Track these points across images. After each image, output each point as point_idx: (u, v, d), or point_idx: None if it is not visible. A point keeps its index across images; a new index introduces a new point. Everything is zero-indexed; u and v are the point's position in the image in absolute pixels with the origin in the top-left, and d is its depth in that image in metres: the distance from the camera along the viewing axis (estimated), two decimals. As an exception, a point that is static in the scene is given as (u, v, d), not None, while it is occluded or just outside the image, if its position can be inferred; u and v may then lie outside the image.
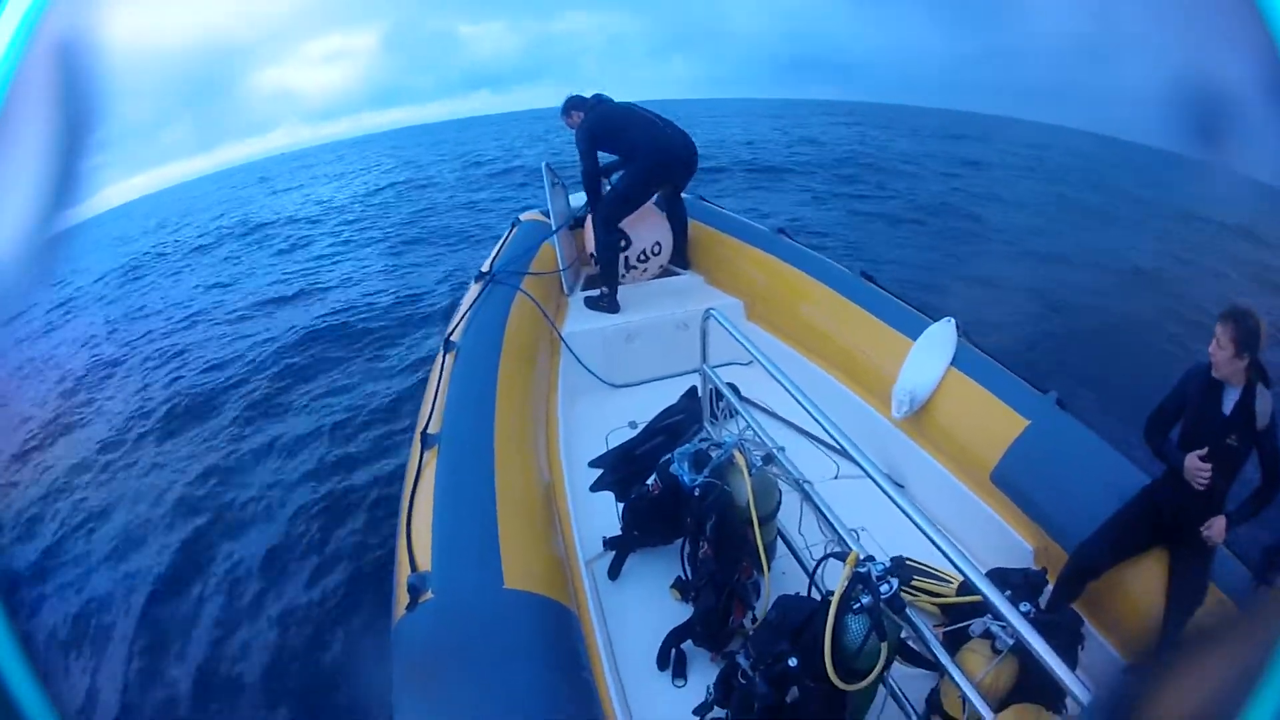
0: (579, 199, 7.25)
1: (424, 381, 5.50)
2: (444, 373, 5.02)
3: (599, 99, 6.52)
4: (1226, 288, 12.81)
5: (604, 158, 6.57)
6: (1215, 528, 3.60)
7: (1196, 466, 3.62)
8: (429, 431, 4.39)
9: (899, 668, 3.35)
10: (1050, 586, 3.84)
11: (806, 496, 3.80)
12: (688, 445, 4.03)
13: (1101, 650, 3.84)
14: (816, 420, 3.54)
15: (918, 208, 19.63)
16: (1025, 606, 3.21)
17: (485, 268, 6.53)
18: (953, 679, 3.11)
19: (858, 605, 3.01)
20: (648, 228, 6.75)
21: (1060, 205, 21.44)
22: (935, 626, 3.49)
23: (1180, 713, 0.81)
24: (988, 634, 3.29)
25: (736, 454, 3.84)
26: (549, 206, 7.04)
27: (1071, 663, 3.31)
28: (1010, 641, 3.16)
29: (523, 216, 7.68)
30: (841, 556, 3.21)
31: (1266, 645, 0.72)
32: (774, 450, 3.98)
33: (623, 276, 6.58)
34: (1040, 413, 4.63)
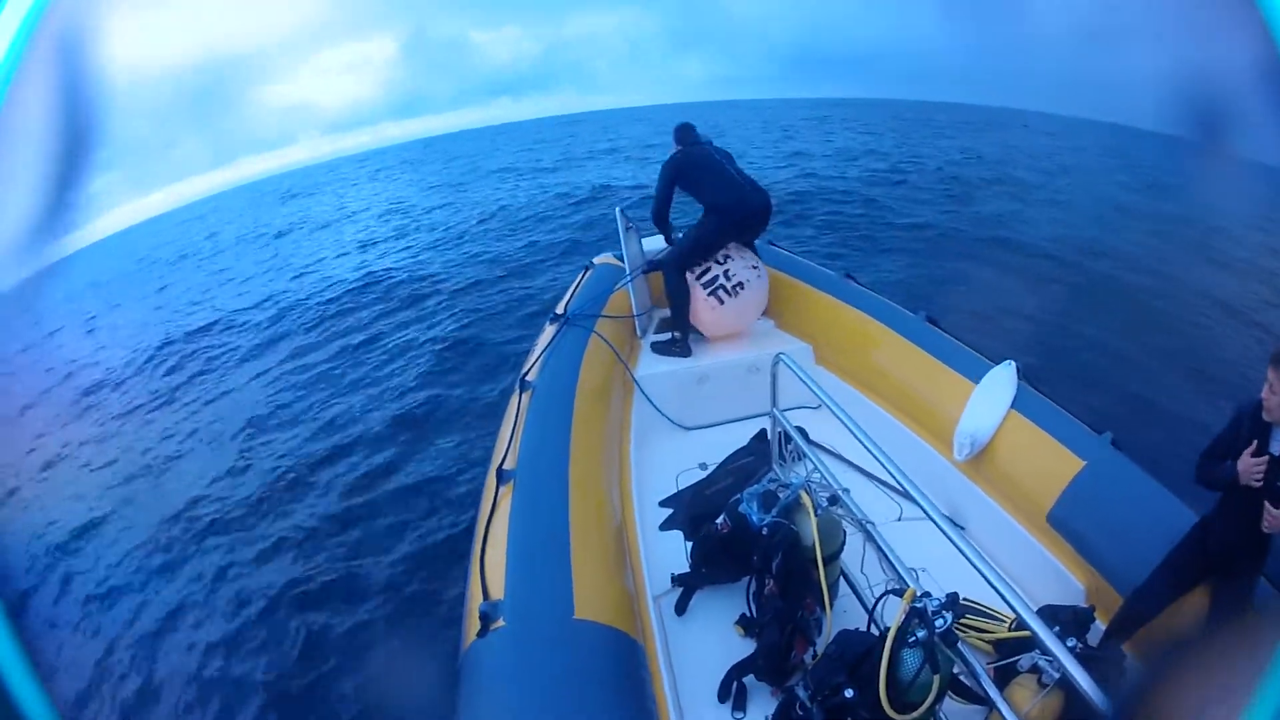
0: (651, 243, 7.49)
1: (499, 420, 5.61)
2: (520, 412, 5.17)
3: (691, 135, 6.70)
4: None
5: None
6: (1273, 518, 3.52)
7: (1250, 464, 3.57)
8: (504, 468, 4.54)
9: (950, 702, 3.43)
10: (1096, 623, 3.93)
11: (869, 536, 3.89)
12: (756, 486, 4.17)
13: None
14: (880, 463, 3.65)
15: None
16: (1071, 642, 3.35)
17: (560, 310, 6.75)
18: (1000, 712, 3.19)
19: (913, 639, 3.15)
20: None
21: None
22: (987, 664, 3.57)
23: (1181, 713, 0.83)
24: (1035, 668, 3.41)
25: (803, 495, 3.99)
26: (623, 251, 7.23)
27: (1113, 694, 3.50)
28: (1056, 675, 3.27)
29: (596, 260, 7.91)
30: (900, 593, 3.34)
31: (1266, 647, 0.75)
32: (839, 491, 4.08)
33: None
34: (1096, 453, 4.69)
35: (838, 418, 3.99)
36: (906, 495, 3.56)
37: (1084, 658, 3.15)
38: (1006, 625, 4.00)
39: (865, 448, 3.77)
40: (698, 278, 6.53)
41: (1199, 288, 13.59)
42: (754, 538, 4.03)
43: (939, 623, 3.12)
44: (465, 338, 12.68)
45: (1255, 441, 3.59)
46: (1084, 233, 17.93)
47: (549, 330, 6.46)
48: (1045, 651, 2.94)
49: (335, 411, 10.74)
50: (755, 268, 6.59)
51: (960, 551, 3.13)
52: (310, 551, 7.46)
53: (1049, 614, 3.77)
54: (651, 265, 7.21)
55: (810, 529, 3.89)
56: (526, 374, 5.70)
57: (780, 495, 4.05)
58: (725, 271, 6.50)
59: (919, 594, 3.28)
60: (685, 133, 6.73)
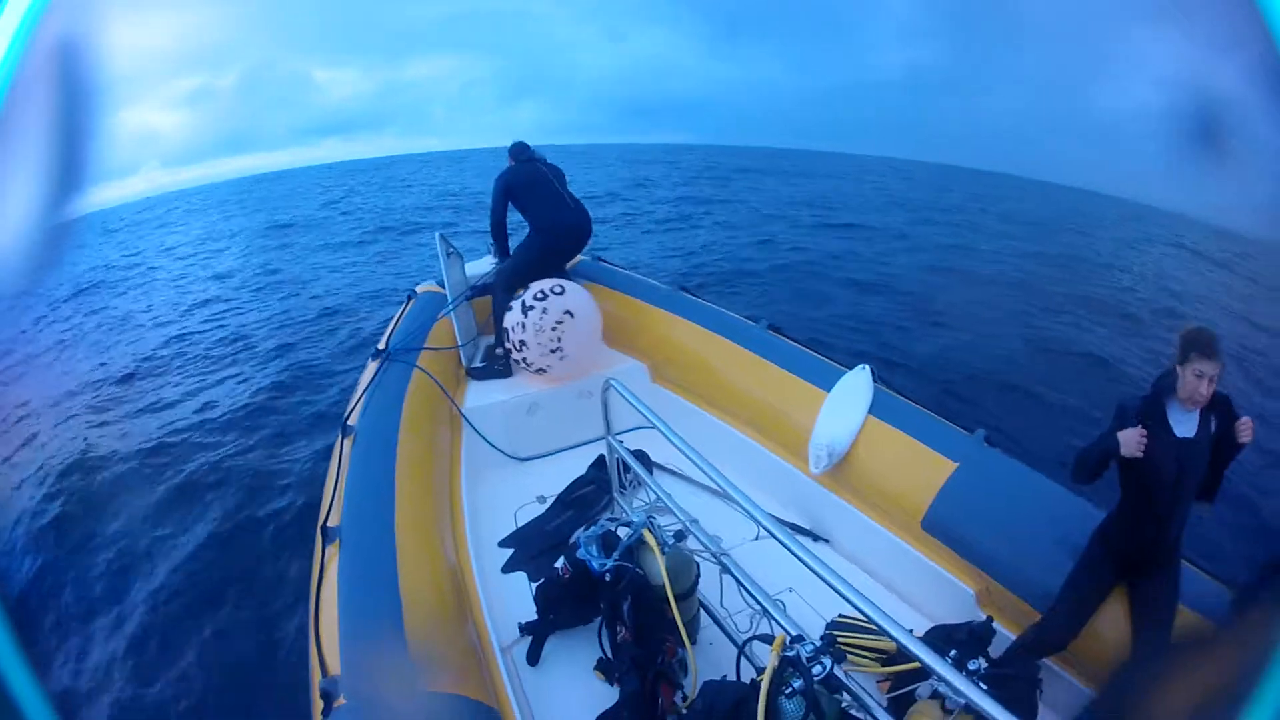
0: (475, 267, 7.10)
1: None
2: (343, 459, 4.78)
3: (525, 151, 6.74)
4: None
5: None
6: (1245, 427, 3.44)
7: (1132, 434, 3.48)
8: (329, 525, 4.17)
9: None
10: (1001, 631, 3.78)
11: (725, 568, 3.66)
12: (594, 528, 3.87)
13: (1063, 684, 3.75)
14: (722, 488, 3.42)
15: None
16: (974, 663, 3.12)
17: (381, 345, 6.30)
18: None
19: (789, 689, 2.88)
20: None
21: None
22: (880, 682, 3.44)
23: (1182, 714, 0.82)
24: (936, 694, 3.13)
25: (646, 534, 3.74)
26: (444, 278, 6.83)
27: (1030, 711, 3.30)
28: (962, 701, 2.92)
29: (419, 289, 7.46)
30: (768, 639, 3.09)
31: (1266, 648, 0.73)
32: (686, 525, 3.86)
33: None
34: (969, 453, 4.56)
35: (672, 443, 3.75)
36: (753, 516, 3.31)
37: (992, 679, 3.02)
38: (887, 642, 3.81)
39: (705, 472, 3.54)
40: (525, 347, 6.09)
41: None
42: (598, 583, 3.77)
43: (817, 670, 2.88)
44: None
45: (1141, 425, 3.52)
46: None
47: (371, 367, 6.00)
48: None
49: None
50: (561, 319, 6.09)
51: (822, 579, 2.86)
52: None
53: (943, 635, 3.62)
54: (475, 290, 6.95)
55: (658, 568, 3.64)
56: (348, 417, 5.26)
57: (621, 535, 3.79)
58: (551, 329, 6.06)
59: (790, 635, 3.03)
60: (519, 150, 6.77)
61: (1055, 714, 3.66)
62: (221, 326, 15.19)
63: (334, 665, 3.30)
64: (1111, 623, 3.72)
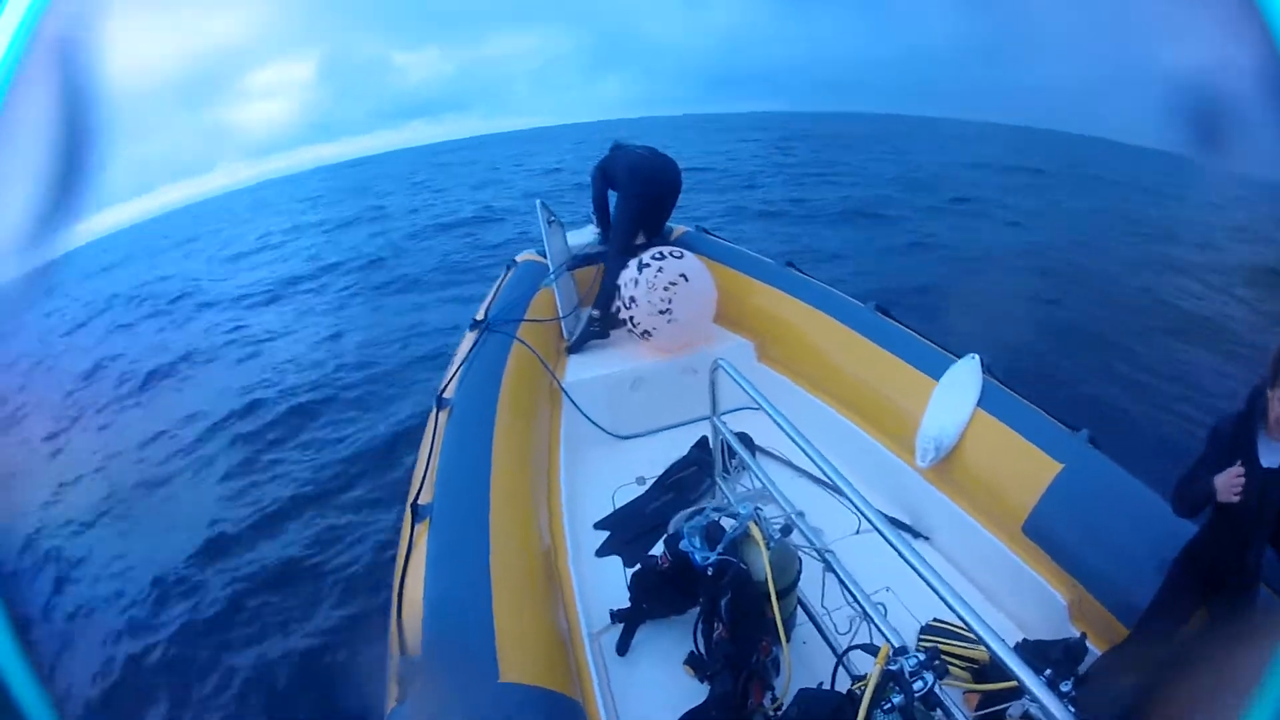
0: (577, 237, 7.02)
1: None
2: (436, 434, 4.69)
3: (620, 144, 6.93)
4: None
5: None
6: None
7: (1229, 478, 3.21)
8: (419, 502, 4.09)
9: None
10: (1091, 649, 3.58)
11: (829, 566, 3.51)
12: (699, 518, 3.73)
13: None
14: (830, 478, 3.32)
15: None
16: (1066, 685, 2.97)
17: (480, 315, 6.21)
18: None
19: (888, 705, 2.77)
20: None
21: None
22: (967, 694, 3.28)
23: (1181, 713, 0.82)
24: (1027, 715, 2.99)
25: (752, 526, 3.59)
26: (545, 247, 6.76)
27: None
28: None
29: (519, 258, 7.35)
30: (870, 650, 2.98)
31: (1266, 647, 0.72)
32: (792, 518, 3.72)
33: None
34: (1073, 454, 4.33)
35: (781, 428, 3.62)
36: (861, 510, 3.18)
37: (1085, 703, 2.85)
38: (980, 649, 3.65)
39: (813, 460, 3.42)
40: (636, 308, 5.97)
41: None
42: (698, 576, 3.62)
43: (918, 685, 2.74)
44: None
45: (1240, 460, 3.23)
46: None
47: (469, 338, 5.93)
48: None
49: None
50: (675, 281, 5.94)
51: (923, 579, 2.80)
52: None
53: (1037, 652, 3.46)
54: (578, 260, 6.88)
55: (762, 563, 3.48)
56: (443, 390, 5.16)
57: (725, 527, 3.62)
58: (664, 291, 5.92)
59: (893, 650, 2.89)
60: (616, 144, 6.93)
61: None
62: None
63: (414, 647, 3.26)
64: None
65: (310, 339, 14.72)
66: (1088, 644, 3.56)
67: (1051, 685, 2.79)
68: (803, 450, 3.49)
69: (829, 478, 3.31)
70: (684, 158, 6.98)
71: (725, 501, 3.93)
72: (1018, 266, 15.82)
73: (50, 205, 0.98)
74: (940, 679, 2.84)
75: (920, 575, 2.81)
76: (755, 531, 3.56)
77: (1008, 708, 3.04)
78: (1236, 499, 3.20)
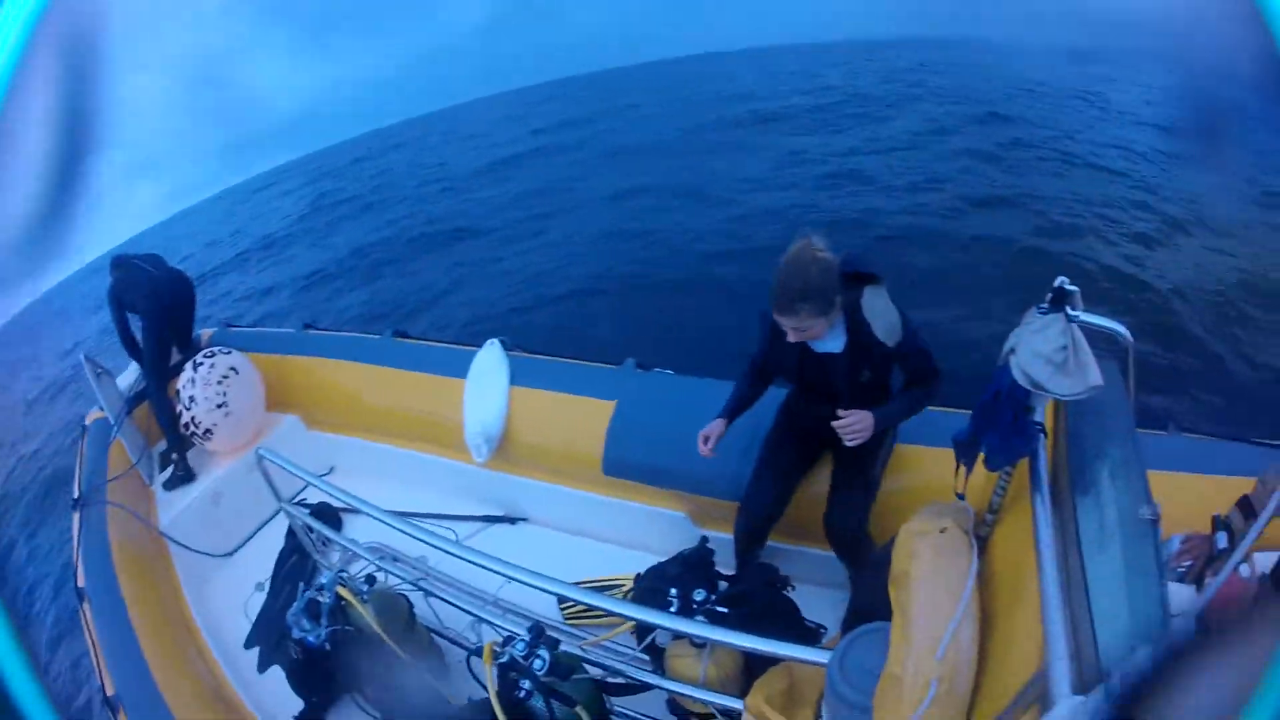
0: (124, 380, 6.63)
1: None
2: (91, 629, 4.44)
3: (123, 260, 6.27)
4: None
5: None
6: (849, 425, 3.23)
7: (702, 448, 3.54)
8: (110, 695, 3.92)
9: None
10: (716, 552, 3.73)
11: (426, 592, 3.61)
12: (297, 603, 3.66)
13: (828, 562, 3.75)
14: (408, 512, 3.29)
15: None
16: (700, 593, 3.03)
17: (75, 493, 5.67)
18: (676, 693, 2.99)
19: (523, 692, 2.83)
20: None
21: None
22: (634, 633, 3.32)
23: (1181, 713, 0.81)
24: (679, 635, 3.04)
25: (341, 590, 3.55)
26: (100, 402, 6.30)
27: (784, 612, 3.32)
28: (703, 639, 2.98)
29: (88, 420, 6.84)
30: (478, 652, 3.02)
31: (1266, 647, 0.71)
32: (374, 563, 3.79)
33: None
34: (625, 387, 4.58)
35: (325, 492, 3.69)
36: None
37: (727, 600, 3.06)
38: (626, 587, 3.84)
39: (364, 512, 3.49)
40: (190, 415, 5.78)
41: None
42: (326, 656, 3.59)
43: (537, 665, 2.83)
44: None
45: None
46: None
47: (75, 519, 5.45)
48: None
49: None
50: (229, 374, 5.85)
51: (514, 578, 2.97)
52: None
53: (657, 575, 3.53)
54: (131, 403, 6.41)
55: (367, 618, 3.47)
56: (77, 582, 4.83)
57: (321, 600, 3.58)
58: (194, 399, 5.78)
59: (497, 644, 2.98)
60: (116, 262, 6.27)
61: (834, 590, 3.73)
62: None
63: None
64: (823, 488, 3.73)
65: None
66: (711, 544, 3.72)
67: (683, 600, 2.84)
68: (360, 506, 3.50)
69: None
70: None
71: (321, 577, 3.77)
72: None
73: (49, 206, 0.95)
74: (554, 649, 2.90)
75: (495, 572, 2.96)
76: (345, 592, 3.53)
77: (653, 636, 3.14)
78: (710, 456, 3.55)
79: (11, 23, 0.90)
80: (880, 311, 3.19)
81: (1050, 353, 2.12)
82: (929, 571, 2.31)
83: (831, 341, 3.28)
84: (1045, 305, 2.19)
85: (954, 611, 2.17)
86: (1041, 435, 2.36)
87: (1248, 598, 2.46)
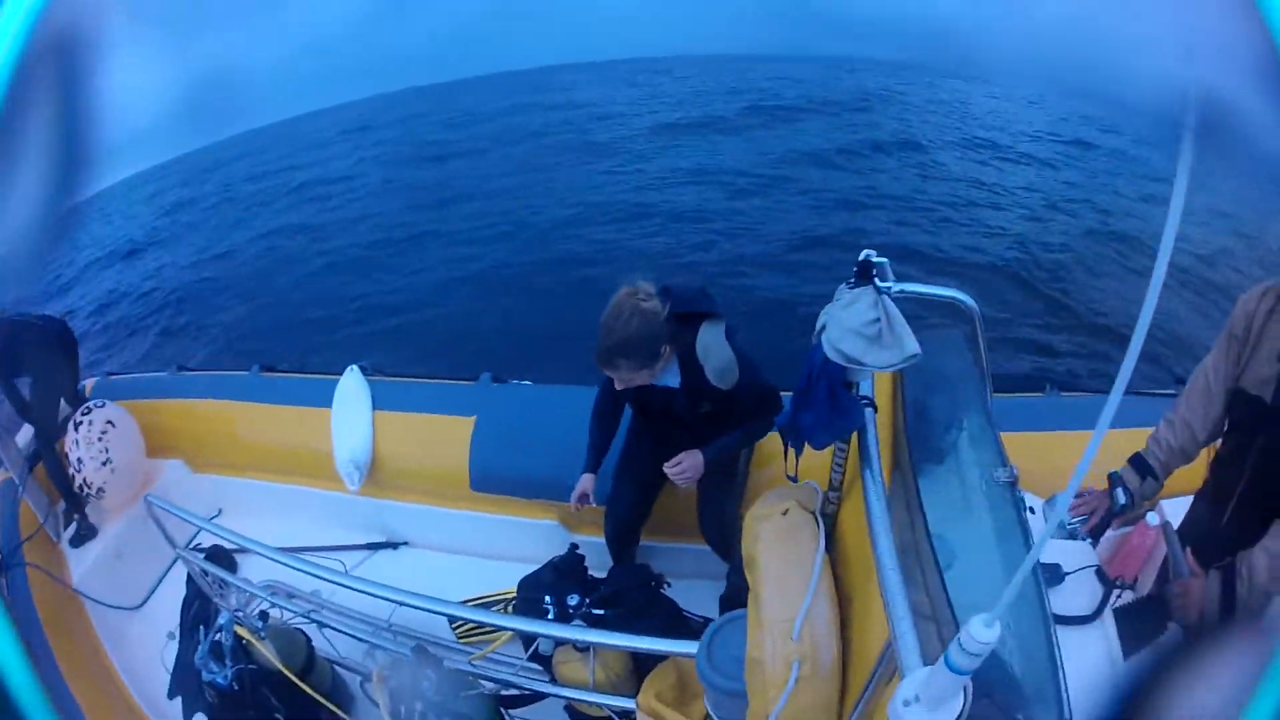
0: (24, 435, 6.53)
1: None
2: None
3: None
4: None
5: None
6: (679, 470, 3.34)
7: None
8: None
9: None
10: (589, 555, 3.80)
11: (319, 624, 3.59)
12: (202, 644, 3.63)
13: (697, 552, 3.88)
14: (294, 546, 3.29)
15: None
16: (574, 598, 3.06)
17: None
18: (571, 698, 3.01)
19: (416, 715, 2.87)
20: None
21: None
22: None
23: (1180, 713, 0.81)
24: (560, 641, 3.08)
25: (238, 629, 3.53)
26: (4, 463, 6.19)
27: (664, 609, 3.37)
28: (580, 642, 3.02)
29: None
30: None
31: (1266, 647, 0.71)
32: (266, 601, 3.73)
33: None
34: (482, 401, 4.67)
35: (216, 534, 3.78)
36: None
37: (602, 601, 3.11)
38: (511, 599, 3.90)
39: (255, 551, 3.53)
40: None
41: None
42: (239, 698, 3.55)
43: (425, 685, 2.89)
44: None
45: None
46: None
47: (3, 583, 5.29)
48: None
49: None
50: (107, 428, 5.73)
51: (395, 601, 3.02)
52: None
53: (532, 584, 3.60)
54: (32, 459, 6.23)
55: (268, 655, 3.47)
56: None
57: (223, 641, 3.55)
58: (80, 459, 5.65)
59: (385, 670, 3.09)
60: None
61: (716, 582, 3.72)
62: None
63: None
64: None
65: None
66: (581, 550, 3.80)
67: (559, 606, 2.88)
68: (244, 543, 3.56)
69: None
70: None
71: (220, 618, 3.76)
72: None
73: (49, 202, 0.91)
74: (435, 667, 2.96)
75: (376, 594, 3.02)
76: (244, 631, 3.51)
77: (536, 645, 3.13)
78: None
79: (11, 22, 0.88)
80: (715, 353, 3.15)
81: (860, 326, 2.11)
82: (775, 554, 2.35)
83: (669, 377, 3.28)
84: (853, 280, 2.21)
85: (804, 592, 2.19)
86: (870, 410, 2.39)
87: (1160, 551, 2.55)
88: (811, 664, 2.07)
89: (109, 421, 5.63)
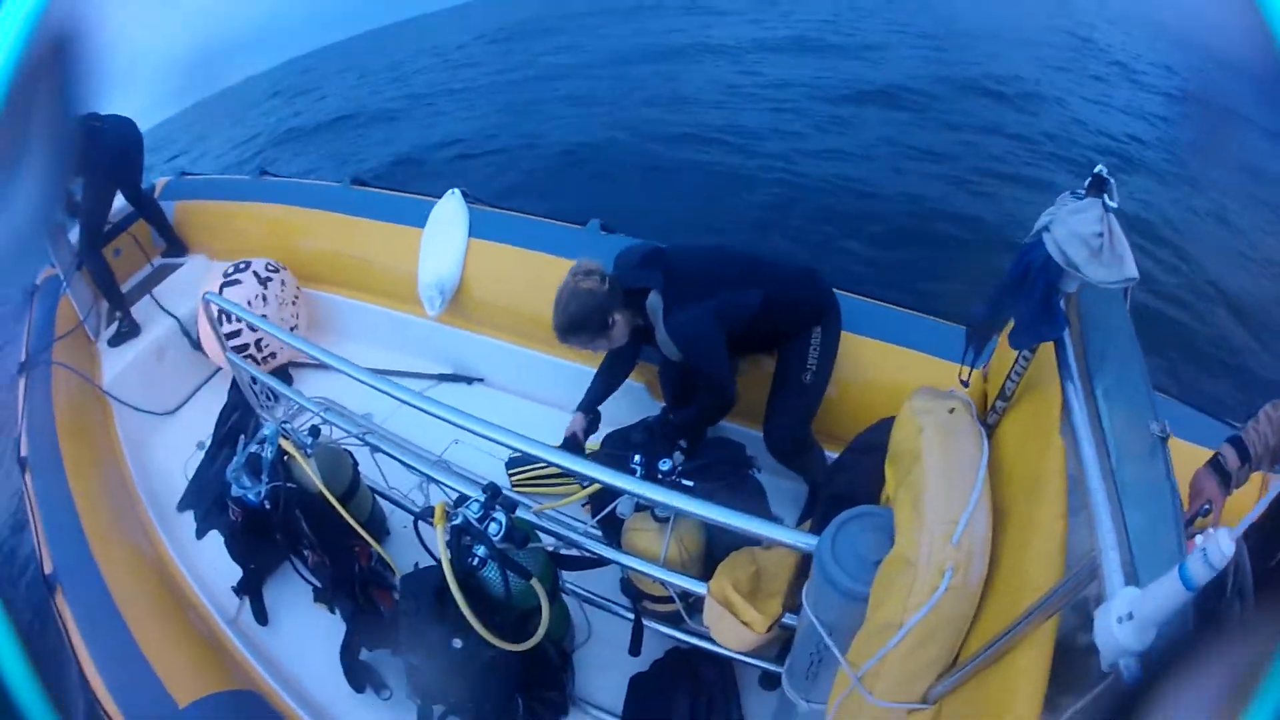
0: (74, 236, 6.37)
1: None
2: (33, 499, 4.29)
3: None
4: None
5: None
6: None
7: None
8: (48, 573, 3.80)
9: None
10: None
11: (374, 448, 3.38)
12: (238, 458, 3.41)
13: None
14: (331, 362, 3.21)
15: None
16: (666, 462, 2.85)
17: (23, 356, 5.55)
18: (633, 570, 2.85)
19: (476, 559, 2.68)
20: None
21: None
22: (584, 505, 3.18)
23: (1180, 713, 0.81)
24: (640, 505, 2.82)
25: (283, 443, 3.31)
26: (52, 257, 6.01)
27: (754, 494, 3.19)
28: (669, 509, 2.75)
29: (39, 280, 6.60)
30: (428, 516, 2.84)
31: (1266, 647, 0.69)
32: (319, 415, 3.54)
33: None
34: (587, 248, 4.31)
35: (277, 336, 3.55)
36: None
37: (694, 472, 2.84)
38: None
39: (316, 359, 3.29)
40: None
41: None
42: (266, 514, 3.35)
43: (493, 529, 2.66)
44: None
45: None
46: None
47: (21, 384, 5.31)
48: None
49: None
50: (299, 294, 5.51)
51: (471, 430, 2.79)
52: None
53: (620, 440, 3.47)
54: (81, 256, 6.06)
55: (310, 474, 3.25)
56: (20, 450, 4.66)
57: (263, 454, 3.33)
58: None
59: (450, 505, 2.81)
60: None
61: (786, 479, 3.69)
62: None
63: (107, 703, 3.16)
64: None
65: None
66: (669, 414, 3.66)
67: (648, 469, 2.75)
68: (304, 349, 3.40)
69: (327, 361, 3.22)
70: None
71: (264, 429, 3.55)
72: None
73: (48, 201, 0.92)
74: (512, 511, 2.76)
75: (450, 420, 2.81)
76: (288, 445, 3.31)
77: (615, 505, 2.89)
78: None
79: (11, 23, 0.88)
80: (658, 323, 3.31)
81: (1087, 236, 1.96)
82: (941, 452, 2.12)
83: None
84: (1081, 191, 2.03)
85: (968, 497, 2.00)
86: (1066, 325, 2.19)
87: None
88: (963, 574, 1.87)
89: (300, 288, 5.42)
